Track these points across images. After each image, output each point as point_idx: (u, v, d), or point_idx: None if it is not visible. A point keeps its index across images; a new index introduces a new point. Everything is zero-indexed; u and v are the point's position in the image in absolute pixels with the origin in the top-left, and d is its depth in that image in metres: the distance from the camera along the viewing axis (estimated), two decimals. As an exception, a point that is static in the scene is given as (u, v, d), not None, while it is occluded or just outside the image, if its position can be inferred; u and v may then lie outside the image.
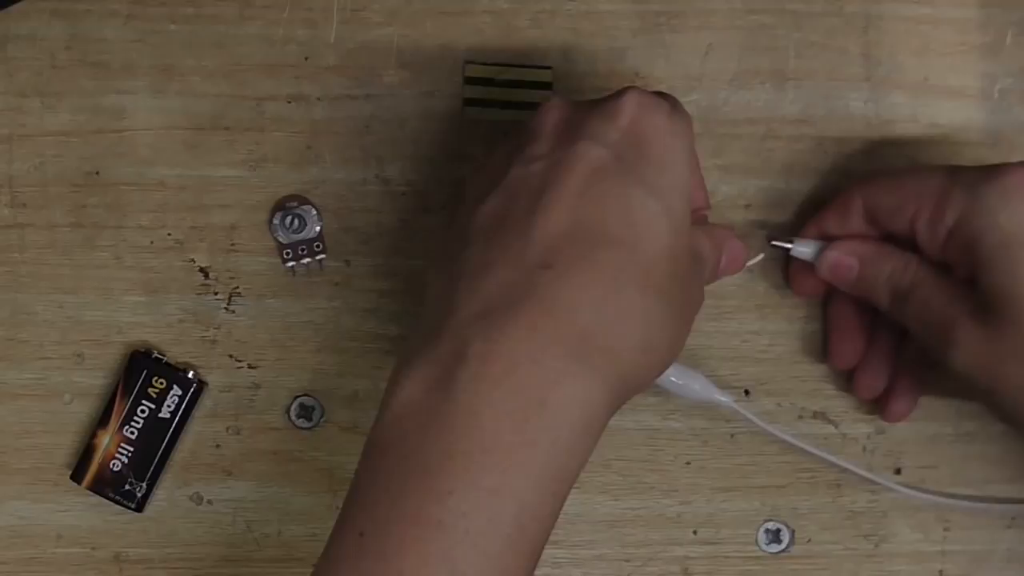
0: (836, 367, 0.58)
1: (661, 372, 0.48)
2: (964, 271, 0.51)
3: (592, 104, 0.48)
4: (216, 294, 0.58)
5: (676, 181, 0.47)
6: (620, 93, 0.48)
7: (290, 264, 0.57)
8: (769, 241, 0.56)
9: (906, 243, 0.53)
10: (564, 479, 0.44)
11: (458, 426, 0.42)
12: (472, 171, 0.51)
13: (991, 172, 0.51)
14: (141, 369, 0.56)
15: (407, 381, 0.44)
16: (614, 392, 0.45)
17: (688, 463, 0.58)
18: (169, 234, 0.57)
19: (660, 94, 0.49)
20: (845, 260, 0.54)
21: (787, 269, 0.58)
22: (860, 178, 0.55)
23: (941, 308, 0.51)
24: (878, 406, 0.57)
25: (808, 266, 0.56)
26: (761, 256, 0.57)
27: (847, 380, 0.58)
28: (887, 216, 0.53)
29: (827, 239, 0.55)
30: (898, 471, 0.58)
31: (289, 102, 0.57)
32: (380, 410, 0.45)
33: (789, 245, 0.56)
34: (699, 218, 0.53)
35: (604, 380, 0.44)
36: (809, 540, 0.58)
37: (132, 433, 0.56)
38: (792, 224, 0.58)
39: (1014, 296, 0.49)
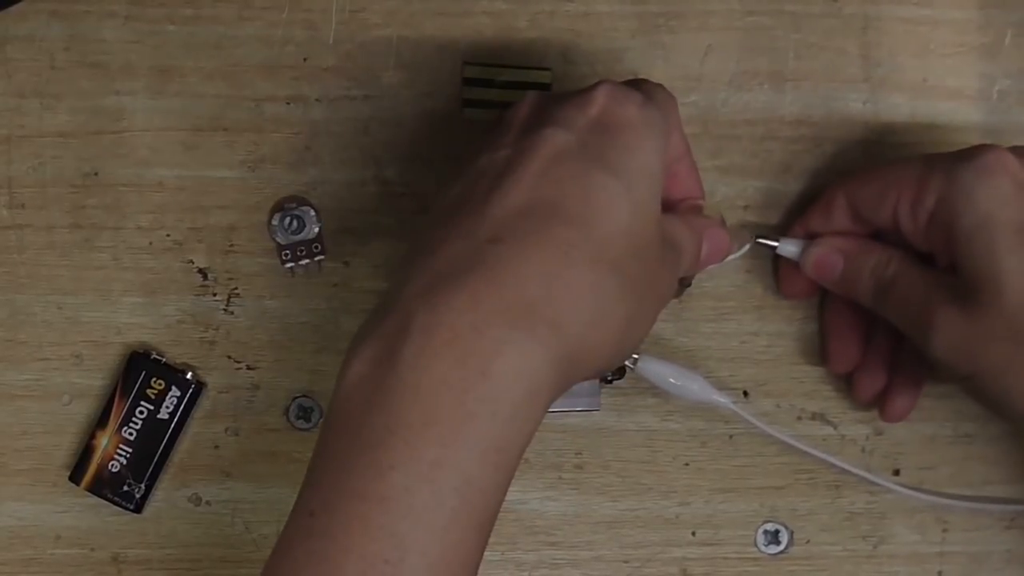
0: (835, 371, 0.58)
1: (619, 353, 0.48)
2: (946, 257, 0.51)
3: (565, 95, 0.49)
4: (215, 295, 0.58)
5: (642, 165, 0.47)
6: (594, 85, 0.48)
7: (289, 265, 0.57)
8: (755, 239, 0.56)
9: (892, 239, 0.54)
10: (507, 450, 0.44)
11: (401, 400, 0.42)
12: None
13: (967, 153, 0.51)
14: (140, 370, 0.56)
15: (355, 359, 0.44)
16: (560, 365, 0.44)
17: (687, 464, 0.58)
18: (168, 235, 0.57)
19: (635, 83, 0.49)
20: (829, 256, 0.55)
21: (776, 271, 0.58)
22: (841, 177, 0.55)
23: (920, 296, 0.51)
24: (877, 406, 0.57)
25: (796, 267, 0.56)
26: (747, 247, 0.56)
27: (846, 382, 0.58)
28: (870, 209, 0.53)
29: (814, 238, 0.55)
30: (897, 472, 0.58)
31: (288, 103, 0.57)
32: (333, 391, 0.45)
33: (775, 243, 0.56)
34: (692, 207, 0.53)
35: (549, 352, 0.44)
36: (808, 541, 0.58)
37: (131, 434, 0.56)
38: (789, 225, 0.58)
39: (991, 275, 0.49)
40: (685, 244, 0.50)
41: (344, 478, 0.42)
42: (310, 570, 0.42)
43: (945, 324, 0.50)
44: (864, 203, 0.53)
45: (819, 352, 0.58)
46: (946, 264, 0.52)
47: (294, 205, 0.57)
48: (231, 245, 0.58)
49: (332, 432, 0.44)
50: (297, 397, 0.58)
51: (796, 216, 0.58)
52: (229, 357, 0.58)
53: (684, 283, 0.57)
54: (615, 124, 0.47)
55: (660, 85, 0.50)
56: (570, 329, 0.44)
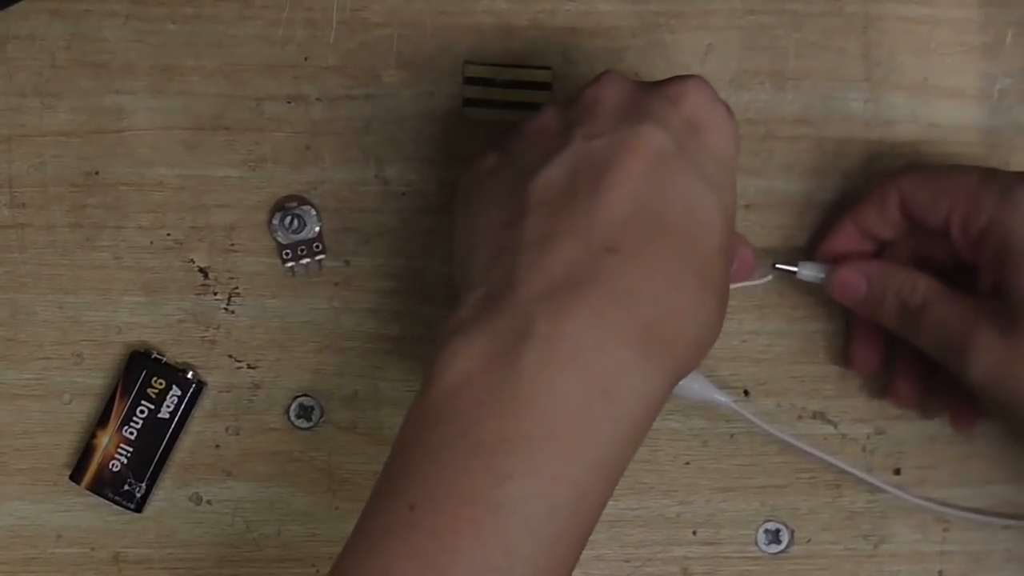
0: (857, 371, 0.57)
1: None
2: (991, 275, 0.51)
3: (653, 86, 0.48)
4: (215, 294, 0.58)
5: (731, 178, 0.47)
6: (683, 79, 0.48)
7: (289, 264, 0.57)
8: (774, 265, 0.56)
9: (940, 240, 0.53)
10: (619, 467, 0.44)
11: (520, 409, 0.42)
12: (510, 131, 0.50)
13: None
14: (140, 369, 0.56)
15: (463, 352, 0.43)
16: (668, 383, 0.45)
17: (687, 463, 0.58)
18: (168, 234, 0.57)
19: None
20: (853, 277, 0.54)
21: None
22: (899, 171, 0.55)
23: (957, 322, 0.51)
24: (922, 409, 0.57)
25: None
26: (768, 277, 0.56)
27: (846, 380, 0.58)
28: (922, 212, 0.53)
29: (863, 234, 0.55)
30: (897, 471, 0.58)
31: (289, 102, 0.57)
32: (429, 377, 0.44)
33: (794, 269, 0.56)
34: None
35: (662, 372, 0.44)
36: (808, 540, 0.58)
37: (131, 433, 0.56)
38: (790, 225, 0.58)
39: None
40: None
41: (453, 478, 0.42)
42: (411, 566, 0.41)
43: (986, 348, 0.50)
44: (917, 204, 0.53)
45: (820, 351, 0.58)
46: (989, 283, 0.51)
47: (295, 204, 0.57)
48: (232, 244, 0.58)
49: (432, 424, 0.43)
50: (298, 396, 0.58)
51: (796, 216, 0.58)
52: (230, 356, 0.58)
53: None
54: (705, 127, 0.47)
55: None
56: (679, 349, 0.45)
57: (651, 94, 0.47)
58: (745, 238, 0.54)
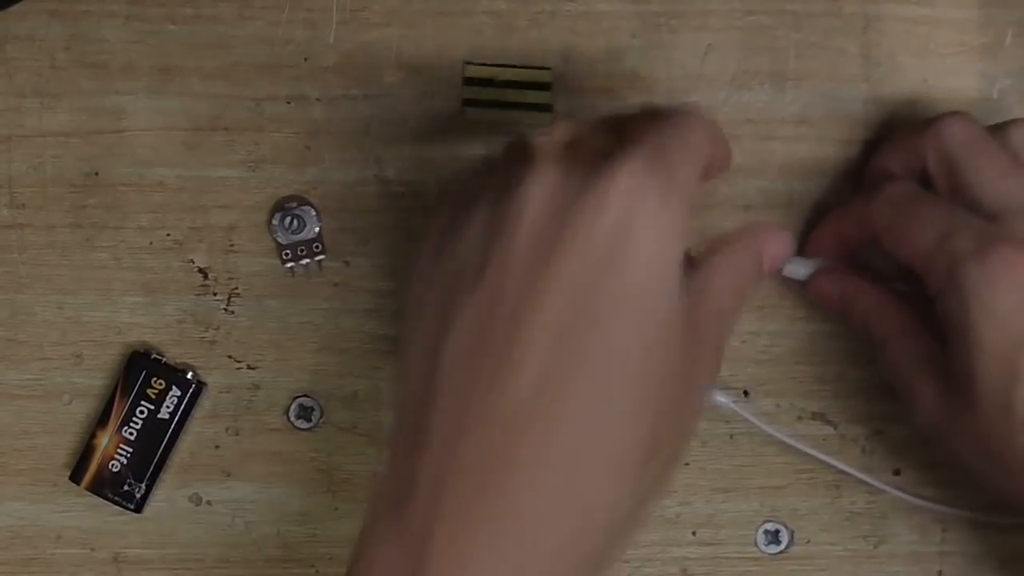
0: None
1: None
2: (942, 330, 0.51)
3: (585, 181, 0.42)
4: (215, 295, 0.58)
5: (651, 331, 0.43)
6: (612, 165, 0.42)
7: (289, 265, 0.57)
8: None
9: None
10: None
11: None
12: (447, 196, 0.48)
13: (981, 248, 0.48)
14: (140, 370, 0.56)
15: (372, 551, 0.42)
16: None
17: (687, 463, 0.58)
18: (168, 235, 0.57)
19: (657, 145, 0.44)
20: (829, 289, 0.55)
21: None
22: (875, 190, 0.53)
23: (908, 368, 0.52)
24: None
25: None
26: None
27: (846, 381, 0.58)
28: (888, 247, 0.52)
29: (844, 236, 0.55)
30: (897, 472, 0.58)
31: (288, 102, 0.57)
32: (351, 560, 0.43)
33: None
34: (715, 175, 0.49)
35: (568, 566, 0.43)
36: (808, 541, 0.58)
37: (131, 434, 0.56)
38: (789, 225, 0.58)
39: (968, 382, 0.49)
40: (719, 291, 0.48)
41: None
42: None
43: (927, 404, 0.51)
44: (884, 241, 0.52)
45: (821, 351, 0.58)
46: (942, 335, 0.51)
47: (294, 204, 0.57)
48: (231, 245, 0.58)
49: None
50: (297, 397, 0.58)
51: (796, 216, 0.58)
52: (229, 357, 0.58)
53: None
54: (625, 254, 0.42)
55: (685, 120, 0.46)
56: (593, 546, 0.43)
57: (579, 198, 0.42)
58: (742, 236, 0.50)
